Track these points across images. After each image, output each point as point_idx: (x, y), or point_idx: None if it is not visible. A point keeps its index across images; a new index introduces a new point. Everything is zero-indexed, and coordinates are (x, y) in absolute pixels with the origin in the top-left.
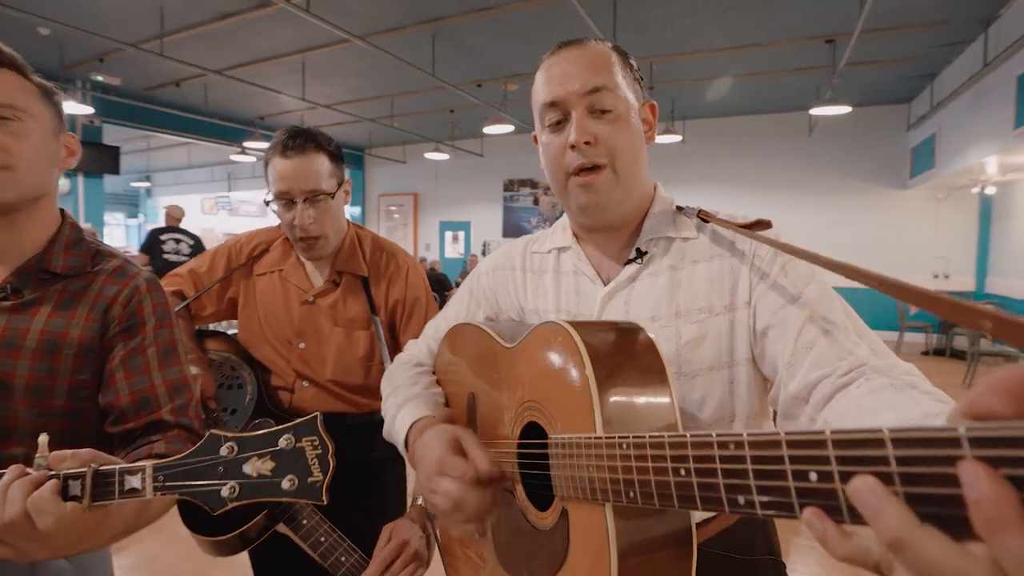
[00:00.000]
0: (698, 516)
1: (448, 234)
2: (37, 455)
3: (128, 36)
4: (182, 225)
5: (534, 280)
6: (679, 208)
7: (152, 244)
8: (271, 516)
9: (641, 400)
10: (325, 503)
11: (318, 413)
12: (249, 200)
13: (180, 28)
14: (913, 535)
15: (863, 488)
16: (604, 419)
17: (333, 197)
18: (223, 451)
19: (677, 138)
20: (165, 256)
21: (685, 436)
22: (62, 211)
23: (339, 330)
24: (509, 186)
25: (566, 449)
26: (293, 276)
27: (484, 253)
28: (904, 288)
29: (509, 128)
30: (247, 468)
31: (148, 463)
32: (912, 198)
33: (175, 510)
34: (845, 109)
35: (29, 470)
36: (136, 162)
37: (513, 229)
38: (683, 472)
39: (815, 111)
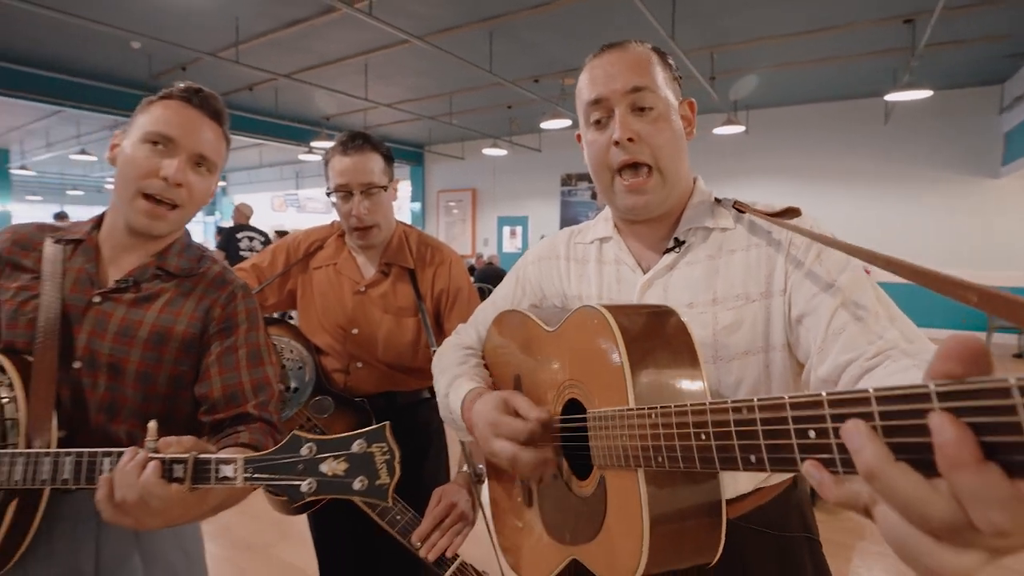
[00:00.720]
0: (731, 491)
1: (506, 229)
2: (147, 438)
3: (207, 46)
4: (251, 222)
5: (577, 269)
6: (717, 200)
7: (228, 242)
8: None
9: (671, 376)
10: (390, 504)
11: (387, 423)
12: (315, 197)
13: (253, 36)
14: (885, 468)
15: (850, 427)
16: (636, 393)
17: (385, 190)
18: (303, 451)
19: (739, 129)
20: (241, 253)
21: (704, 404)
22: None
23: (388, 317)
24: (567, 180)
25: (602, 421)
26: (346, 269)
27: None
28: (914, 271)
29: (566, 123)
30: (324, 467)
31: (240, 456)
32: (1005, 187)
33: None
34: (926, 93)
35: (138, 450)
36: None
37: (571, 224)
38: (703, 436)
39: (892, 96)
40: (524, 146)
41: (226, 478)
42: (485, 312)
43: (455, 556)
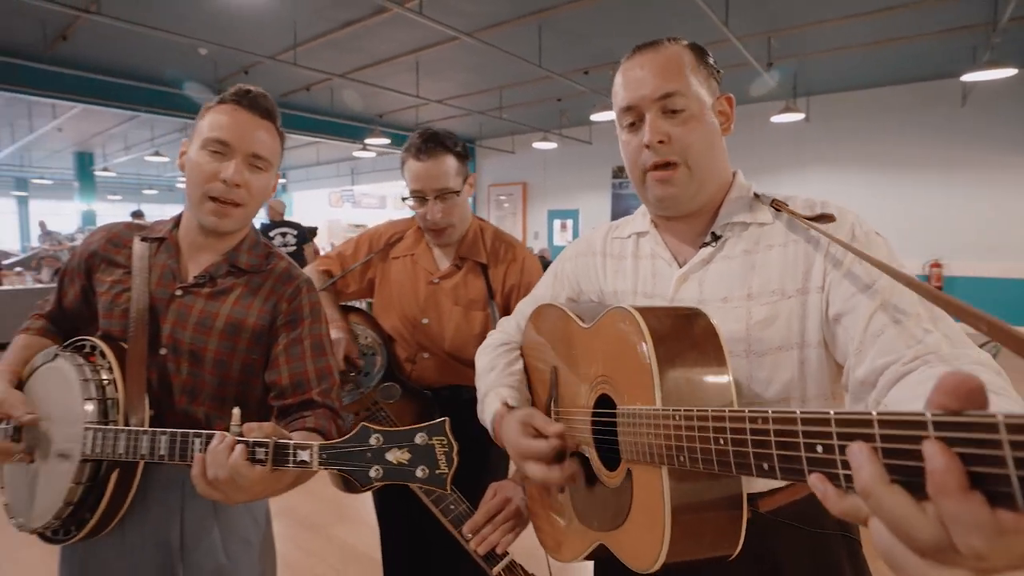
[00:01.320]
0: (761, 485)
1: (556, 222)
2: (232, 423)
3: (267, 49)
4: (300, 218)
5: (613, 264)
6: (756, 195)
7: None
8: None
9: (697, 378)
10: (448, 492)
11: (447, 419)
12: (370, 193)
13: (310, 38)
14: (879, 488)
15: (853, 447)
16: (663, 393)
17: (459, 194)
18: (371, 441)
19: (799, 116)
20: (283, 249)
21: (724, 411)
22: None
23: (458, 309)
24: (618, 173)
25: (630, 419)
26: (423, 260)
27: None
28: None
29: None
30: (389, 456)
31: (315, 443)
32: None
33: None
34: (1009, 72)
35: (226, 434)
36: None
37: (622, 216)
38: (721, 441)
39: (969, 77)
40: (574, 139)
41: (303, 462)
42: (525, 305)
43: (505, 553)
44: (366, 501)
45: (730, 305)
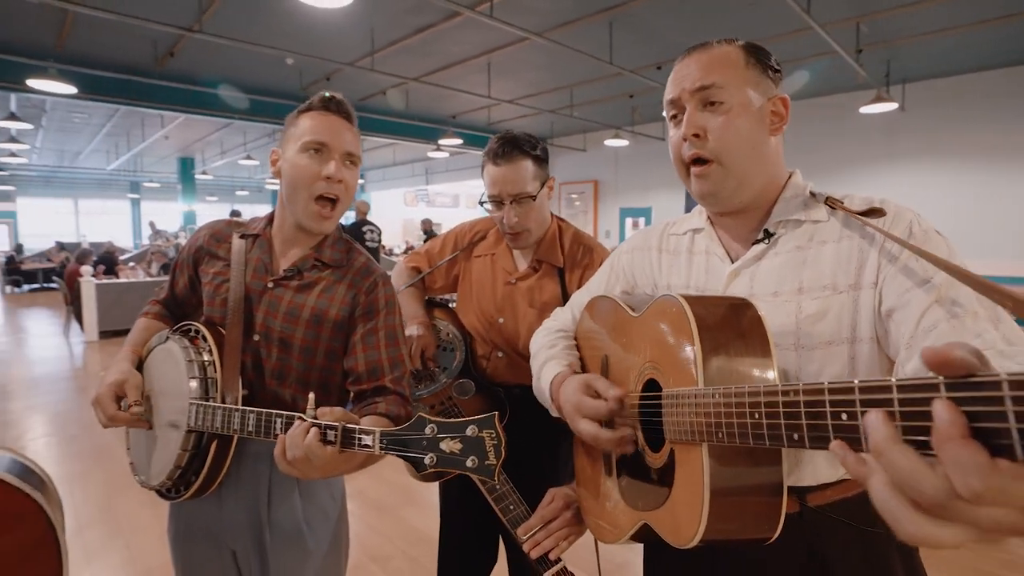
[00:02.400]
0: (809, 478)
1: (628, 220)
2: (308, 408)
3: (347, 57)
4: (372, 217)
5: (668, 260)
6: (812, 194)
7: (356, 235)
8: None
9: (740, 363)
10: (496, 481)
11: (496, 412)
12: (443, 192)
13: (385, 45)
14: (890, 447)
15: (870, 413)
16: (706, 376)
17: (535, 199)
18: (427, 430)
19: (891, 106)
20: (367, 244)
21: (759, 387)
22: None
23: (533, 311)
24: None
25: (674, 400)
26: (502, 260)
27: None
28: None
29: None
30: (443, 445)
31: (378, 429)
32: None
33: None
34: None
35: (305, 417)
36: None
37: None
38: (756, 416)
39: None
40: (647, 135)
41: (366, 446)
42: (580, 297)
43: (558, 559)
44: (433, 488)
45: (780, 299)
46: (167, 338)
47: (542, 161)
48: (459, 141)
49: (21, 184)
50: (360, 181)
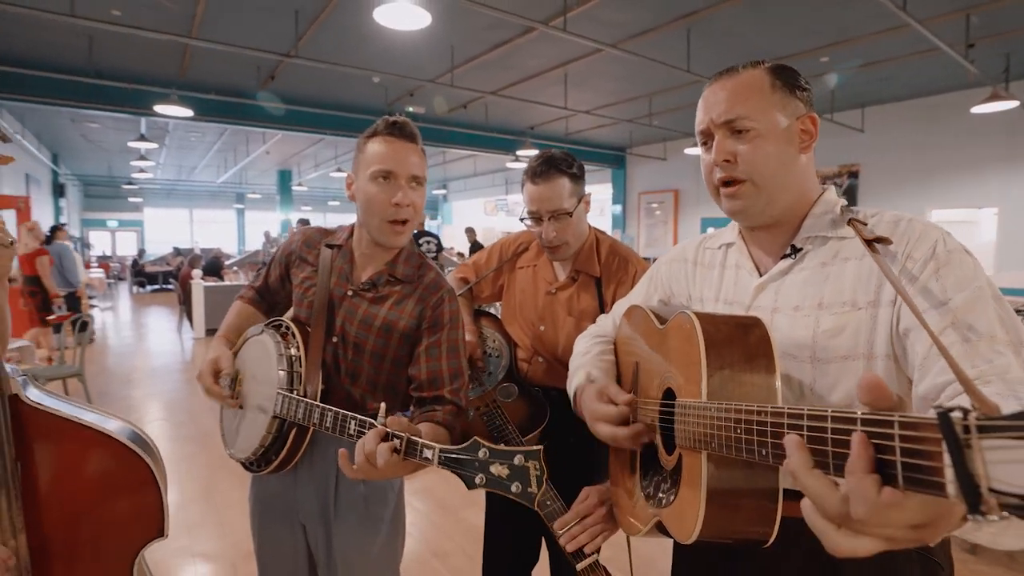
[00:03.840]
0: None
1: (710, 230)
2: (380, 415)
3: (428, 74)
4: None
5: (702, 273)
6: (843, 210)
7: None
8: None
9: (742, 379)
10: (534, 508)
11: (542, 447)
12: (522, 202)
13: (464, 61)
14: (802, 471)
15: (786, 438)
16: (708, 390)
17: (572, 215)
18: (480, 454)
19: (1011, 104)
20: (428, 256)
21: (741, 406)
22: None
23: (571, 319)
24: None
25: (683, 409)
26: (543, 271)
27: None
28: None
29: None
30: (492, 469)
31: (438, 445)
32: None
33: None
34: None
35: (376, 423)
36: (435, 174)
37: None
38: (738, 431)
39: None
40: None
41: (426, 459)
42: (621, 305)
43: (593, 553)
44: None
45: (800, 313)
46: (263, 331)
47: (578, 179)
48: (537, 152)
49: (147, 196)
50: (442, 191)
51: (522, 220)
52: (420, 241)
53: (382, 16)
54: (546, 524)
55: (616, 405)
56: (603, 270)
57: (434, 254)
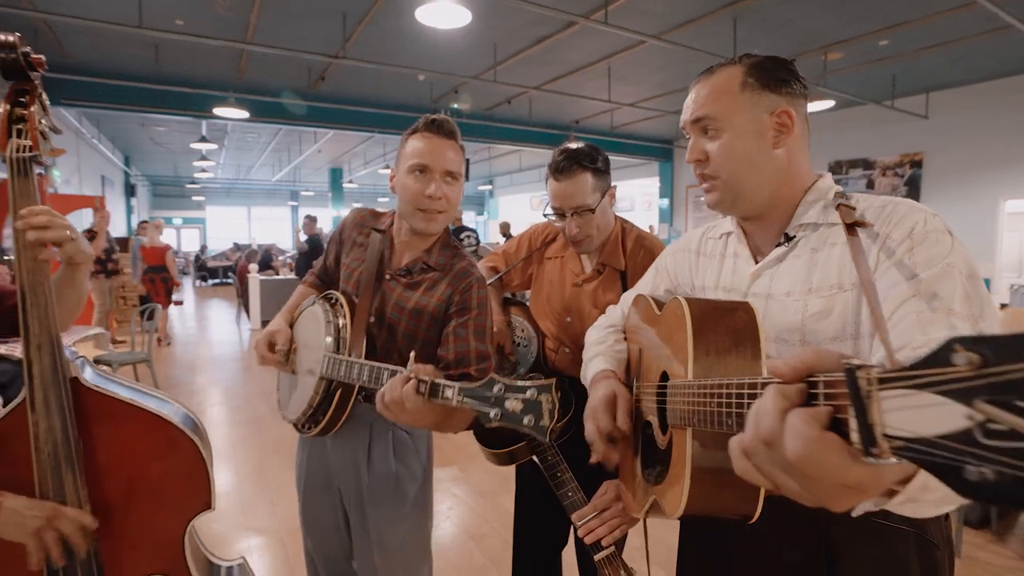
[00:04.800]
0: None
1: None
2: (409, 363)
3: (472, 70)
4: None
5: (704, 262)
6: (836, 195)
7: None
8: (528, 447)
9: (726, 360)
10: (546, 441)
11: (555, 379)
12: None
13: (507, 57)
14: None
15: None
16: (695, 372)
17: (594, 211)
18: (495, 389)
19: None
20: (467, 249)
21: (706, 382)
22: None
23: (596, 311)
24: (836, 168)
25: (672, 390)
26: (570, 262)
27: None
28: None
29: (829, 104)
30: (507, 404)
31: (457, 384)
32: None
33: (473, 436)
34: None
35: (402, 370)
36: (481, 169)
37: None
38: (711, 404)
39: None
40: None
41: (447, 397)
42: (629, 295)
43: (611, 546)
44: None
45: (791, 299)
46: (314, 302)
47: (602, 173)
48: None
49: (209, 195)
50: (488, 187)
51: (545, 215)
52: (460, 236)
53: (423, 15)
54: (562, 504)
55: (614, 421)
56: (628, 262)
57: (474, 247)
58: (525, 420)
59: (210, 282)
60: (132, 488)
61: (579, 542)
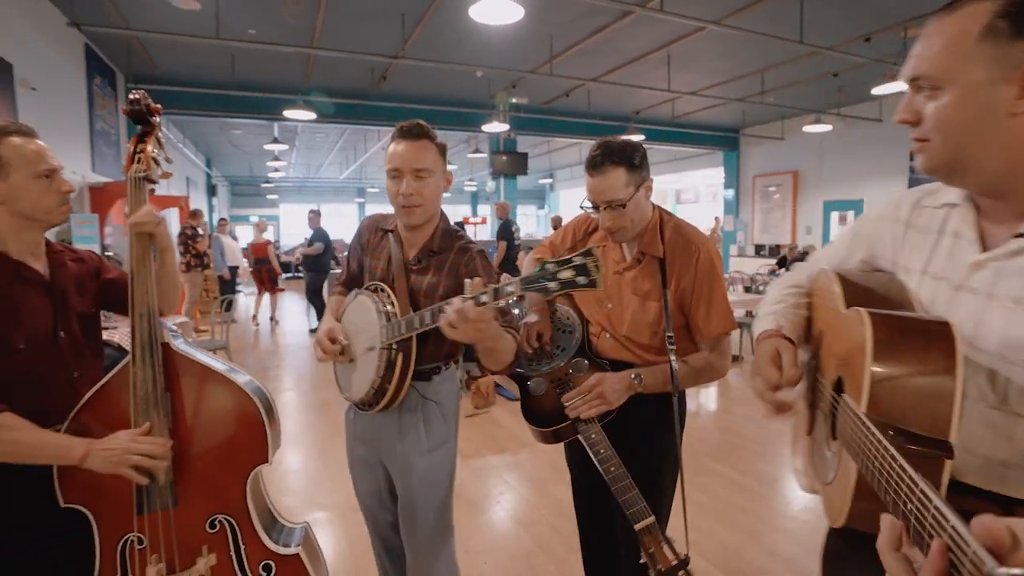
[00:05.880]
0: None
1: (834, 215)
2: (466, 287)
3: (528, 65)
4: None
5: (914, 237)
6: None
7: (507, 234)
8: (573, 425)
9: (910, 395)
10: (599, 287)
11: (592, 247)
12: None
13: (564, 49)
14: (884, 549)
15: (884, 517)
16: (870, 399)
17: (625, 207)
18: (548, 267)
19: None
20: (515, 242)
21: (876, 435)
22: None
23: (636, 299)
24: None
25: (844, 410)
26: (612, 251)
27: None
28: None
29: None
30: (561, 275)
31: (517, 278)
32: None
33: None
34: None
35: (463, 298)
36: (541, 163)
37: None
38: (874, 461)
39: None
40: (858, 117)
41: (510, 292)
42: (818, 255)
43: (687, 558)
44: None
45: (1021, 307)
46: (357, 295)
47: (636, 167)
48: (641, 137)
49: (282, 193)
50: (548, 180)
51: (581, 207)
52: (512, 229)
53: (477, 13)
54: (604, 477)
55: (779, 374)
56: (667, 251)
57: (521, 241)
58: (579, 280)
59: (283, 276)
60: (203, 434)
61: (621, 520)
